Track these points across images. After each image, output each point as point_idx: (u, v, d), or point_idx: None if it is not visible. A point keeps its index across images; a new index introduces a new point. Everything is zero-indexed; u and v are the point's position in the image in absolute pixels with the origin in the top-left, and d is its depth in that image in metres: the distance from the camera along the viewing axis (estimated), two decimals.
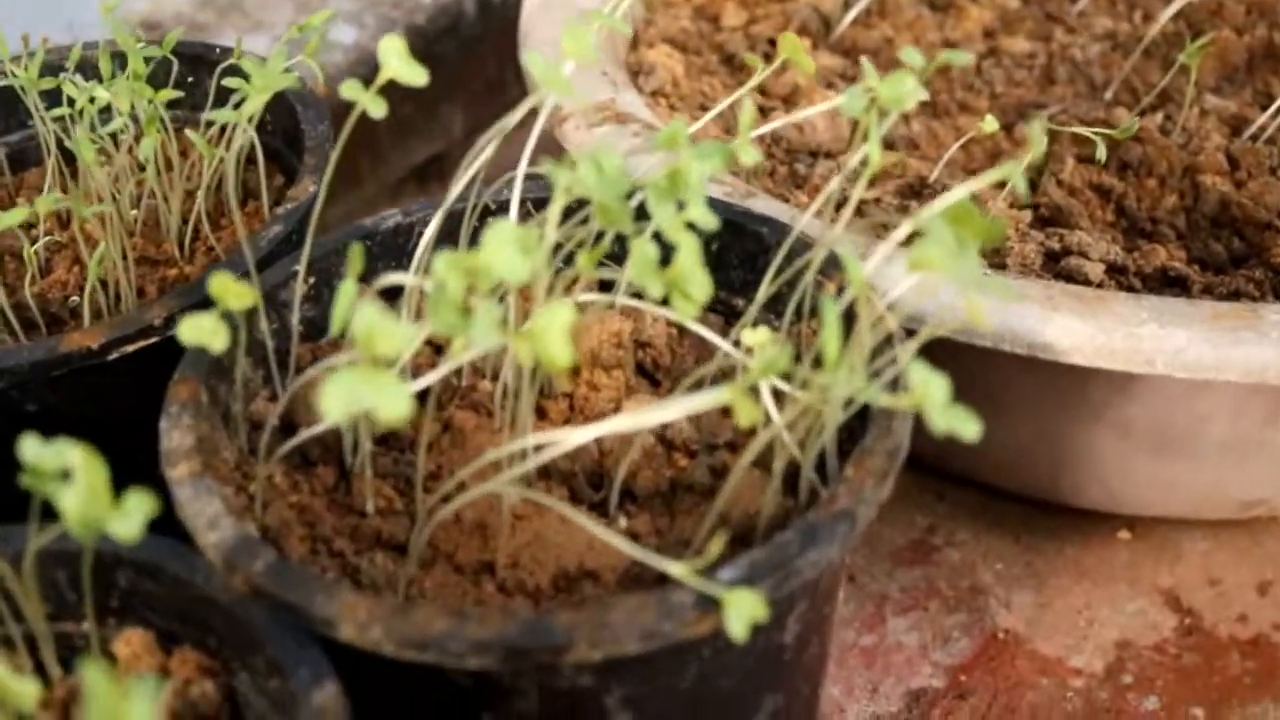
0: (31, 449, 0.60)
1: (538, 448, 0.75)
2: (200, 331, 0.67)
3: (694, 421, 0.79)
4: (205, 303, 0.85)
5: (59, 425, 0.76)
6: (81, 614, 0.71)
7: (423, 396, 0.82)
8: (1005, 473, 1.07)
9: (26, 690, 0.58)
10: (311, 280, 0.83)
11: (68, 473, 0.60)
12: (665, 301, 0.68)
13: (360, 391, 0.56)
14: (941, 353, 0.72)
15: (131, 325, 0.82)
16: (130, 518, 0.58)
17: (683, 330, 0.85)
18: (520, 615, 0.63)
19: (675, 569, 0.64)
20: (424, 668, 0.64)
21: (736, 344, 0.77)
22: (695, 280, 0.66)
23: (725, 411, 0.80)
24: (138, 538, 0.59)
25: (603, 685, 0.66)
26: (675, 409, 0.66)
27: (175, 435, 0.72)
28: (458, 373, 0.82)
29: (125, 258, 0.92)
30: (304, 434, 0.76)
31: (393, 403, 0.57)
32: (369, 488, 0.75)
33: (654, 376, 0.83)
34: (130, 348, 0.82)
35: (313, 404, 0.78)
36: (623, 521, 0.75)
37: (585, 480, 0.77)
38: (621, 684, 0.67)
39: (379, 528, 0.75)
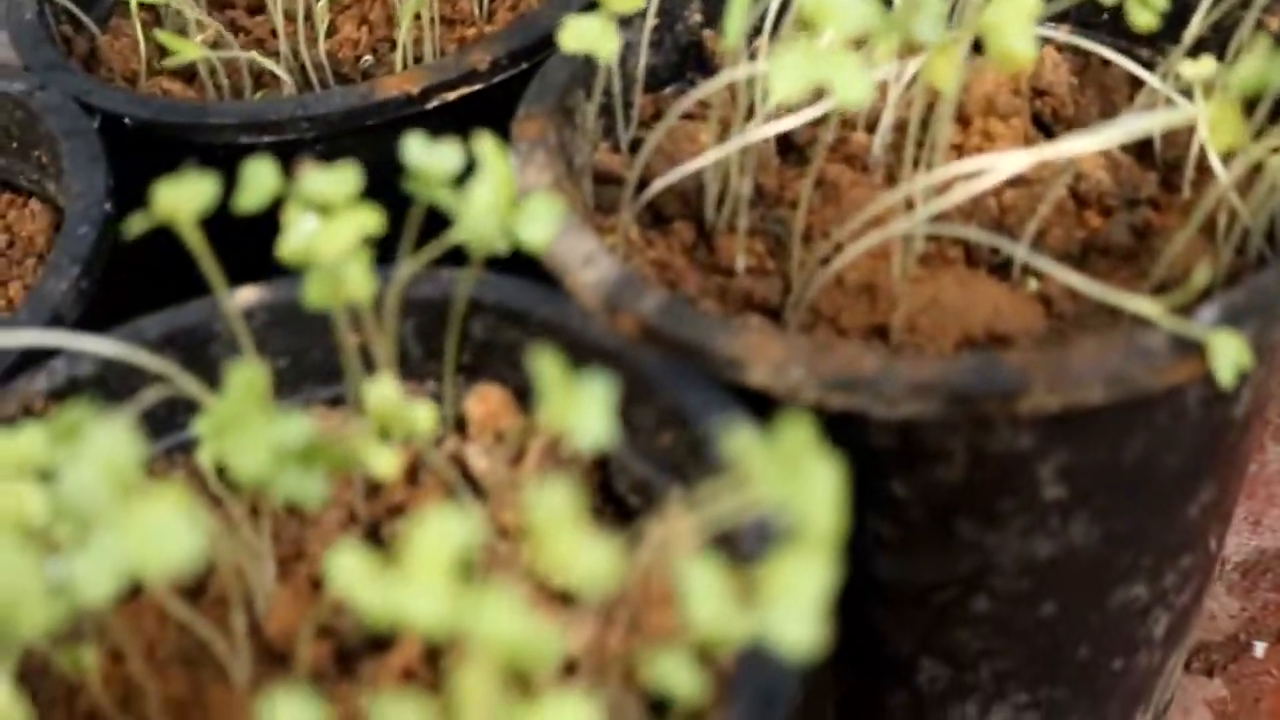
0: (417, 150, 0.53)
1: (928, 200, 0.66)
2: (585, 36, 0.59)
3: (1112, 173, 0.69)
4: (531, 49, 0.78)
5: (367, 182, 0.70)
6: (424, 372, 0.65)
7: (787, 148, 0.74)
8: None
9: (421, 415, 0.52)
10: (655, 22, 0.75)
11: (456, 177, 0.53)
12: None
13: (817, 68, 0.48)
14: None
15: (454, 70, 0.75)
16: (538, 221, 0.51)
17: (1083, 77, 0.75)
18: (965, 357, 0.55)
19: (1147, 307, 0.55)
20: (837, 422, 0.56)
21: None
22: None
23: (1147, 163, 0.70)
24: (545, 244, 0.52)
25: (1040, 450, 0.58)
26: (1109, 134, 0.56)
27: (531, 172, 0.65)
28: (821, 123, 0.73)
29: (420, 16, 0.85)
30: (659, 183, 0.68)
31: (854, 84, 0.48)
32: (739, 244, 0.67)
33: (1051, 129, 0.74)
34: (451, 95, 0.75)
35: (672, 153, 0.70)
36: (1032, 284, 0.66)
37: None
38: (1061, 450, 0.58)
39: (750, 288, 0.67)
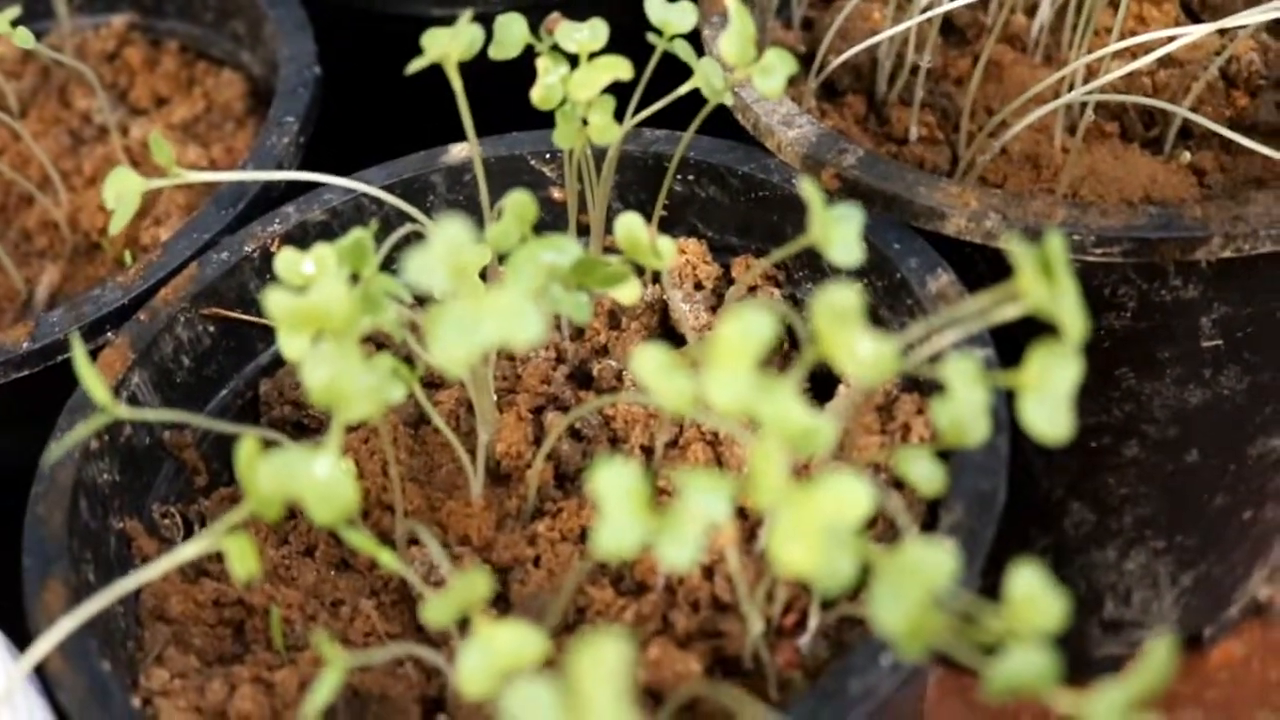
0: (657, 5, 0.59)
1: (1088, 78, 0.72)
2: None
3: (1261, 54, 0.74)
4: None
5: None
6: None
7: (948, 30, 0.80)
8: None
9: (665, 247, 0.58)
10: None
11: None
12: None
13: None
14: None
15: None
16: (773, 73, 0.57)
17: None
18: (1148, 208, 0.60)
19: None
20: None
21: None
22: None
23: None
24: (779, 94, 0.57)
25: (1204, 301, 0.64)
26: (1259, 16, 0.62)
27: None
28: (984, 6, 0.79)
29: None
30: (839, 58, 0.74)
31: None
32: (913, 115, 0.73)
33: (1199, 15, 0.79)
34: None
35: (845, 29, 0.76)
36: (1185, 156, 0.72)
37: (1137, 115, 0.73)
38: (1223, 301, 0.64)
39: (921, 155, 0.73)
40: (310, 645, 0.58)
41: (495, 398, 0.64)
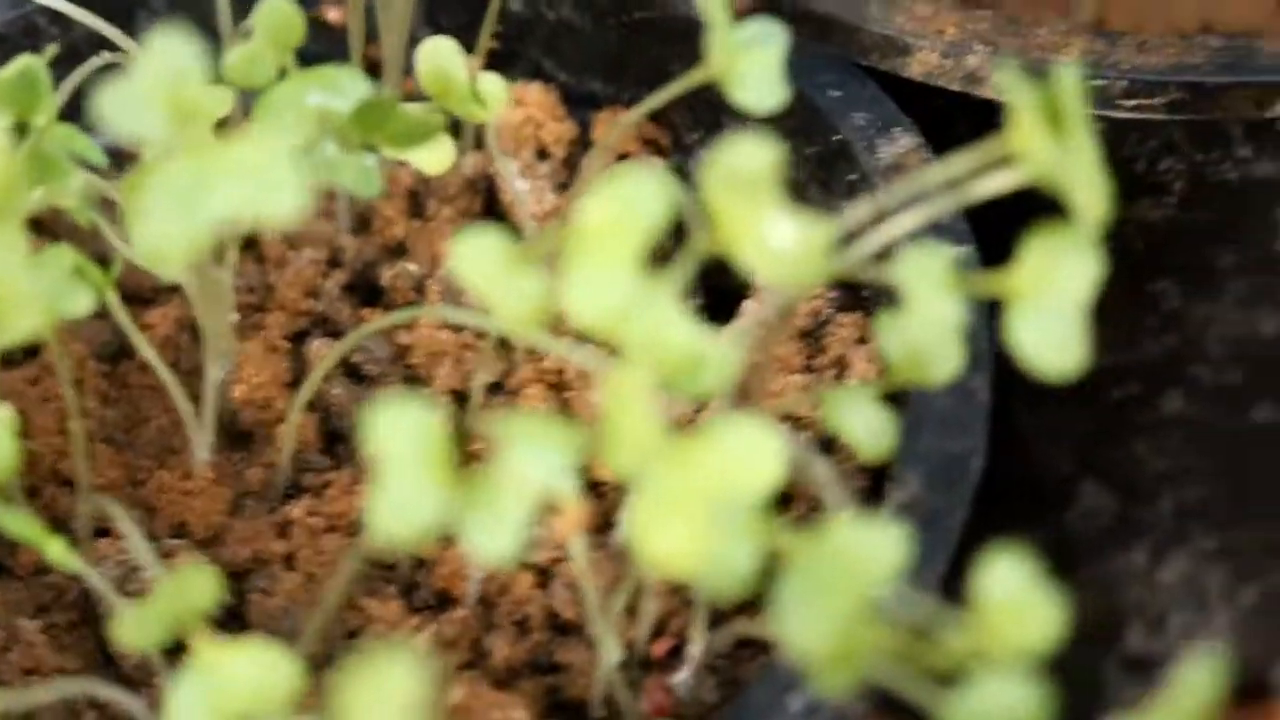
0: None
1: None
2: None
3: None
4: None
5: None
6: None
7: None
8: None
9: (492, 87, 0.57)
10: None
11: None
12: None
13: None
14: None
15: None
16: None
17: None
18: (1207, 40, 0.62)
19: None
20: None
21: None
22: None
23: None
24: None
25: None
26: None
27: None
28: None
29: None
30: None
31: None
32: None
33: None
34: None
35: None
36: None
37: None
38: None
39: None
40: None
41: (235, 318, 0.63)
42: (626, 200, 0.43)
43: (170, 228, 0.41)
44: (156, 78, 0.42)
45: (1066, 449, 0.74)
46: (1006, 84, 0.44)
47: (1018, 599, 0.41)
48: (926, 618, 0.42)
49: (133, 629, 0.45)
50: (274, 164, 0.41)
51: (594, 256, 0.43)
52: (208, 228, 0.41)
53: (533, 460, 0.41)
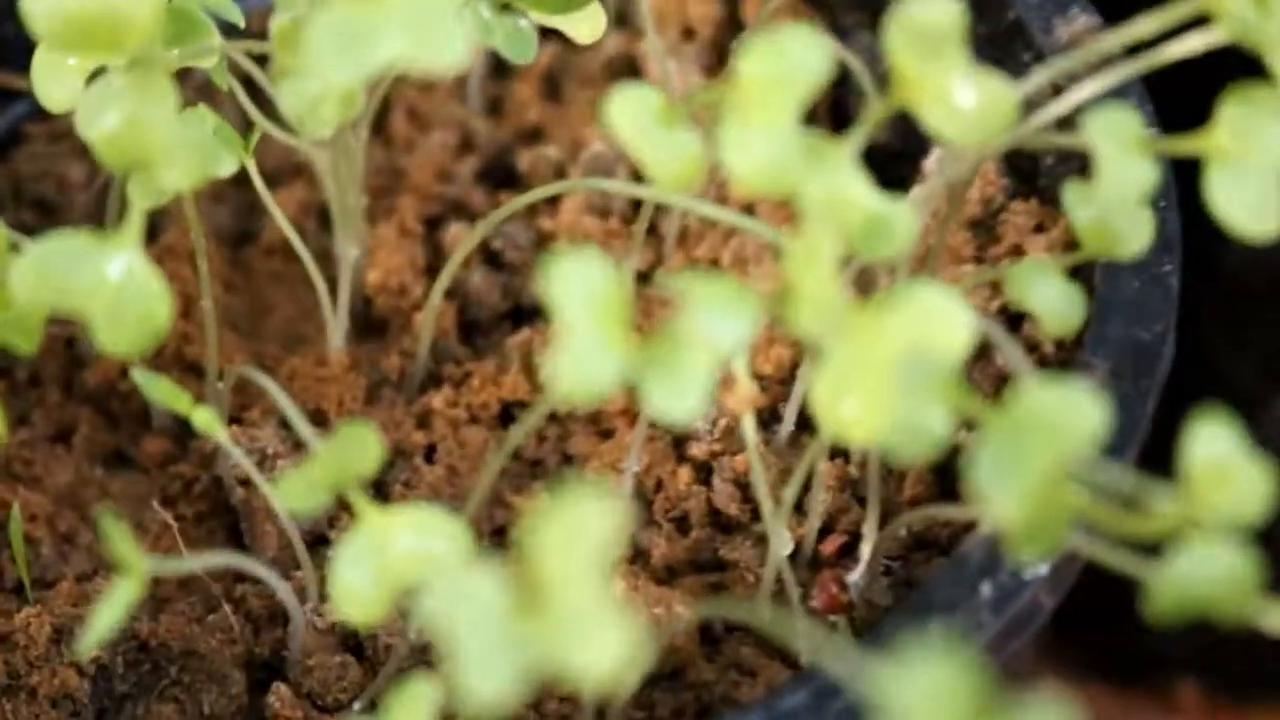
0: None
1: None
2: None
3: None
4: None
5: None
6: None
7: None
8: None
9: None
10: None
11: None
12: None
13: None
14: None
15: None
16: None
17: None
18: None
19: None
20: None
21: None
22: None
23: None
24: None
25: None
26: None
27: None
28: None
29: None
30: None
31: None
32: None
33: None
34: None
35: None
36: None
37: None
38: None
39: None
40: (66, 578, 0.60)
41: (366, 201, 0.65)
42: (786, 55, 0.44)
43: (340, 67, 0.42)
44: None
45: (1251, 360, 0.75)
46: None
47: (1226, 466, 0.42)
48: (1129, 483, 0.43)
49: (294, 493, 0.47)
50: (437, 13, 0.43)
51: (753, 112, 0.45)
52: (374, 67, 0.43)
53: (717, 320, 0.43)
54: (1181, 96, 0.55)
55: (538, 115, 0.71)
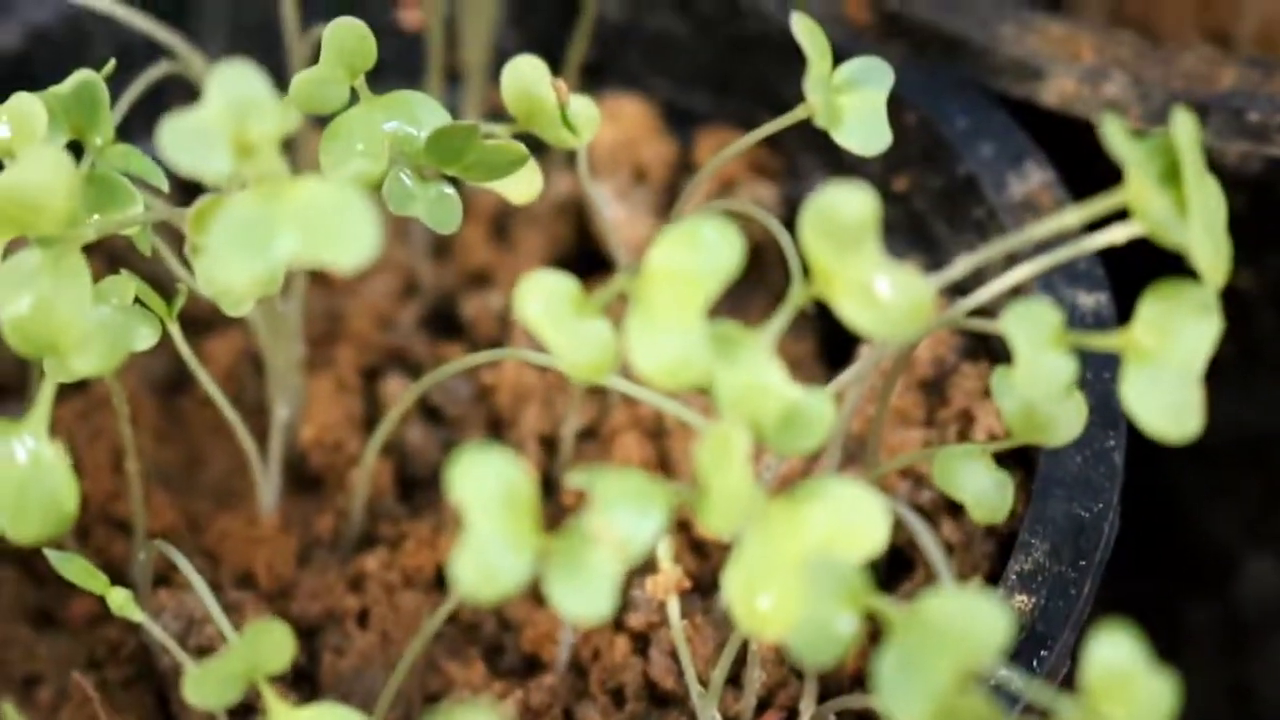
0: None
1: None
2: None
3: None
4: None
5: None
6: None
7: None
8: None
9: (585, 111, 0.62)
10: None
11: None
12: None
13: None
14: None
15: None
16: None
17: None
18: None
19: None
20: None
21: None
22: None
23: None
24: None
25: None
26: None
27: None
28: None
29: None
30: None
31: None
32: None
33: None
34: None
35: None
36: None
37: None
38: None
39: None
40: None
41: (303, 351, 0.67)
42: (698, 248, 0.47)
43: (237, 266, 0.45)
44: (222, 103, 0.47)
45: (1232, 517, 0.78)
46: (1115, 136, 0.48)
47: (1127, 677, 0.44)
48: (1035, 692, 0.46)
49: (201, 689, 0.50)
50: (345, 200, 0.45)
51: (660, 307, 0.47)
52: (275, 267, 0.45)
53: (625, 519, 0.46)
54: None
55: (484, 257, 0.74)
